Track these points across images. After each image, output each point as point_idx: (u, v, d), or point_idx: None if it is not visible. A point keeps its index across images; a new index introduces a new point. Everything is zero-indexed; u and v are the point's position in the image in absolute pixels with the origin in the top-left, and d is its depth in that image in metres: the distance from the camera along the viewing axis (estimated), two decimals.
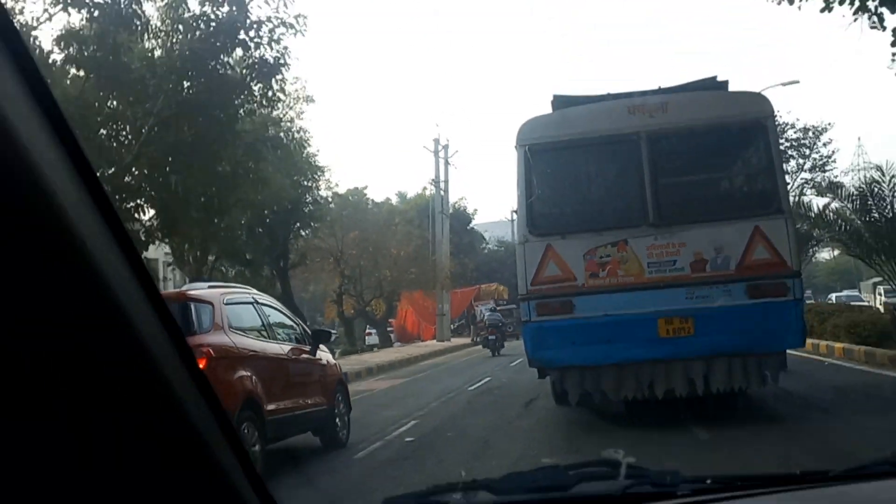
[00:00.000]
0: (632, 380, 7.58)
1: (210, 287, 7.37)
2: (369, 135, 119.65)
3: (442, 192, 38.67)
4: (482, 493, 1.28)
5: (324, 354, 8.41)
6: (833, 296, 37.07)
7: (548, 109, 8.30)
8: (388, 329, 36.52)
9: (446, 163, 38.54)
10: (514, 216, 8.03)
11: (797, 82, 25.46)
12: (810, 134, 27.50)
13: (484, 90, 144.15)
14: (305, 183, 23.61)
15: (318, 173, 24.27)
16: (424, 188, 41.06)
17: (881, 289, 33.80)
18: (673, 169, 7.87)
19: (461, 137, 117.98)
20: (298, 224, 24.20)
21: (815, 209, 17.18)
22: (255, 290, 8.33)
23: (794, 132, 27.39)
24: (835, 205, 16.36)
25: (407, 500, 1.31)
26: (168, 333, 0.80)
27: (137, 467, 0.78)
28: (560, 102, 8.31)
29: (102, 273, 0.71)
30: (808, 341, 12.79)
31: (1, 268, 0.64)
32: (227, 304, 6.61)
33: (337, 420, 8.06)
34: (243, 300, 7.26)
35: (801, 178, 26.47)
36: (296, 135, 21.88)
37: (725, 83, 8.24)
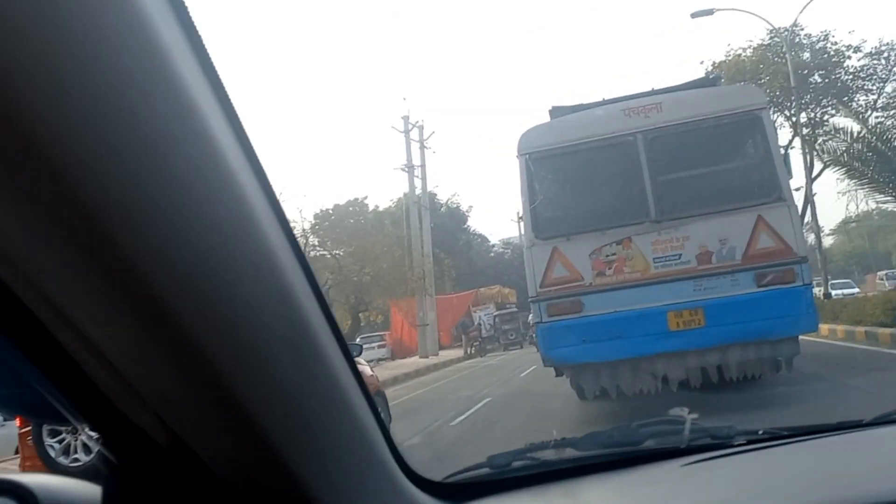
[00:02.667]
0: (646, 374, 7.69)
1: None
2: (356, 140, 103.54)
3: (417, 178, 32.57)
4: (568, 450, 1.45)
5: (361, 367, 8.59)
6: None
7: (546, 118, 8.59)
8: (380, 343, 32.48)
9: (421, 145, 32.64)
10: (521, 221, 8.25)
11: None
12: (884, 58, 21.44)
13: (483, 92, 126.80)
14: None
15: None
16: (405, 193, 33.77)
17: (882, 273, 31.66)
18: (671, 165, 8.01)
19: (465, 141, 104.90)
20: None
21: None
22: None
23: (860, 58, 21.96)
24: None
25: (509, 455, 1.44)
26: (333, 332, 0.88)
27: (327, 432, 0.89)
28: (557, 112, 8.61)
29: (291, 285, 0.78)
30: None
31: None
32: None
33: None
34: None
35: (875, 118, 21.38)
36: None
37: (718, 79, 8.43)
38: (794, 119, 22.98)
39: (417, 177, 32.44)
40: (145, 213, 0.60)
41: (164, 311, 0.64)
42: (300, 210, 23.09)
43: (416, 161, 32.43)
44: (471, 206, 47.96)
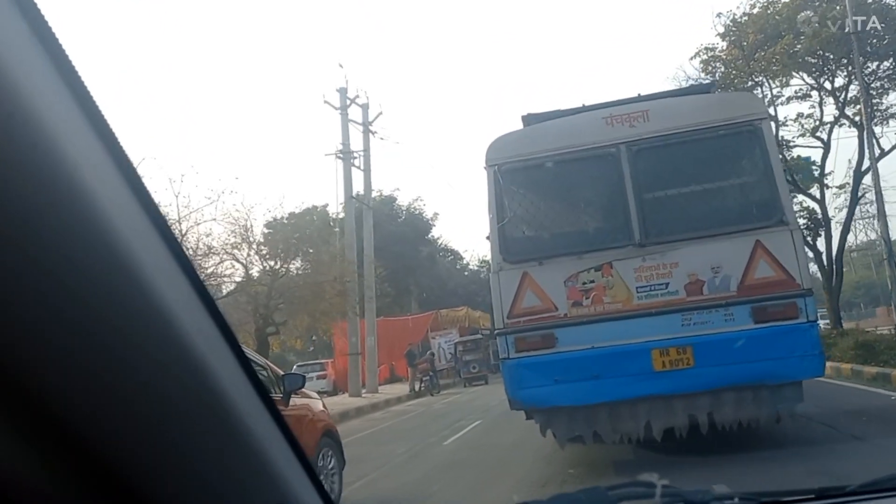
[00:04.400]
0: (626, 420, 6.72)
1: None
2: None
3: (357, 166, 25.05)
4: None
5: (308, 401, 7.42)
6: None
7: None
8: (320, 374, 27.24)
9: (365, 129, 25.59)
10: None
11: None
12: None
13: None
14: None
15: None
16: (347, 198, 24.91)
17: None
18: (659, 182, 7.11)
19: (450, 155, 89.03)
20: None
21: None
22: None
23: None
24: None
25: None
26: (239, 363, 0.82)
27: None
28: (531, 120, 7.66)
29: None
30: None
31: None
32: None
33: (322, 478, 7.03)
34: None
35: None
36: None
37: (711, 86, 7.53)
38: (841, 92, 19.39)
39: (360, 168, 25.42)
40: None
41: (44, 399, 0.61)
42: (177, 194, 16.82)
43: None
44: (436, 214, 42.44)
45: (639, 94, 7.63)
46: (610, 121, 7.06)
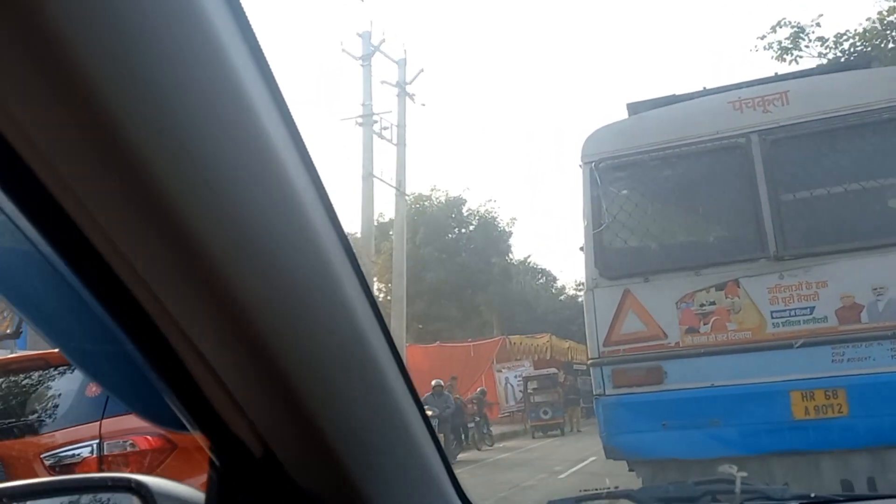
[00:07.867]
0: (756, 481, 5.34)
1: None
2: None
3: (386, 138, 18.53)
4: (623, 501, 1.68)
5: None
6: None
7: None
8: None
9: (403, 91, 18.96)
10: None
11: None
12: None
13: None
14: None
15: None
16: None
17: None
18: (801, 180, 5.73)
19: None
20: None
21: None
22: None
23: None
24: None
25: (566, 502, 1.61)
26: (391, 351, 0.88)
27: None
28: (638, 108, 6.46)
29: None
30: None
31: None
32: None
33: None
34: None
35: None
36: None
37: (873, 59, 6.05)
38: None
39: (391, 142, 18.69)
40: (243, 259, 0.63)
41: (257, 331, 0.67)
42: None
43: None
44: (513, 219, 36.90)
45: (776, 73, 6.26)
46: (738, 105, 5.77)
